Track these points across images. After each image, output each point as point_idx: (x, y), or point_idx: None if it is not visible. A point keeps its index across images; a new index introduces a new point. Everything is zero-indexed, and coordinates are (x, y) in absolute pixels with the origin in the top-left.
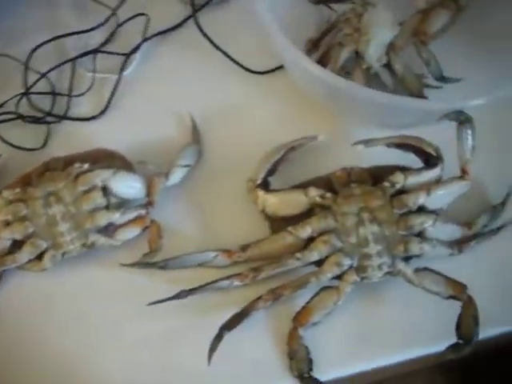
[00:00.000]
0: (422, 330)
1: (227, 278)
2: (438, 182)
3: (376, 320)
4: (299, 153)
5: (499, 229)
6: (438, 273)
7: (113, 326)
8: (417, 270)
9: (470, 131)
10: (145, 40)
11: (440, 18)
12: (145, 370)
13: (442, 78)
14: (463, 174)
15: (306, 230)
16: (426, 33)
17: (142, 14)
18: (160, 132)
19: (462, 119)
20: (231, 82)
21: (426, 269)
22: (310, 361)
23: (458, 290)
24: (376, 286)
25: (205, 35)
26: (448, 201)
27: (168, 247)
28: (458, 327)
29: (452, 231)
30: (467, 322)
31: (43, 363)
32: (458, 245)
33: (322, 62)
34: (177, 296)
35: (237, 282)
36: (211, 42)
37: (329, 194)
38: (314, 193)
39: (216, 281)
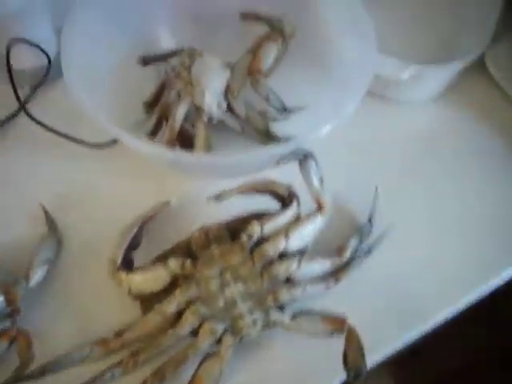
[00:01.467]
0: (314, 372)
1: (108, 369)
2: (298, 218)
3: (267, 373)
4: (159, 220)
5: (371, 248)
6: (314, 313)
7: None
8: (294, 316)
9: (313, 164)
10: None
11: (270, 51)
12: None
13: (286, 110)
14: (319, 207)
15: (172, 305)
16: (260, 70)
17: None
18: (12, 234)
19: (300, 157)
20: (78, 162)
21: (302, 312)
22: None
23: (337, 324)
24: (259, 339)
25: (38, 122)
26: (311, 237)
27: (43, 353)
28: (346, 362)
29: (322, 265)
30: (353, 354)
31: None
32: (333, 276)
33: (163, 120)
34: None
35: (119, 372)
36: (44, 125)
37: (188, 262)
38: (174, 264)
39: (97, 376)
